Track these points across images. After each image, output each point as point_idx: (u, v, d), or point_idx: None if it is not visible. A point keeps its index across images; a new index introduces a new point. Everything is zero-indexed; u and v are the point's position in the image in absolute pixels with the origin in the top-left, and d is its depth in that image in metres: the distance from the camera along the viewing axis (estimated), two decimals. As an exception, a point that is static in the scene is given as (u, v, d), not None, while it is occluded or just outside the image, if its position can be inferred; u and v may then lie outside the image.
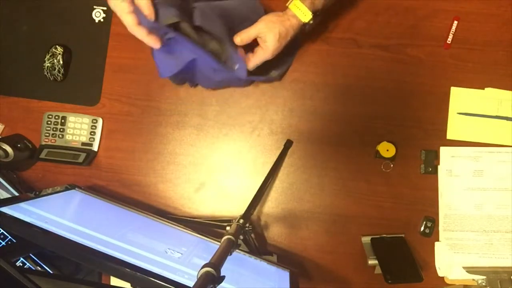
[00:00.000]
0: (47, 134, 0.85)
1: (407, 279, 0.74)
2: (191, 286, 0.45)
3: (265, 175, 0.80)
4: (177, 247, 0.66)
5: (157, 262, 0.59)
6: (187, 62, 0.69)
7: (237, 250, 0.62)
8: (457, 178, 0.80)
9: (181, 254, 0.64)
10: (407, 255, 0.78)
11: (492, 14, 0.81)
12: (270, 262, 0.73)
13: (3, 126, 0.86)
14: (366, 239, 0.81)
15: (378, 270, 0.77)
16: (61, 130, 0.85)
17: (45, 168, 0.86)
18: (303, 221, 0.83)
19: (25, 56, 0.86)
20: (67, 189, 0.78)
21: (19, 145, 0.82)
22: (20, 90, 0.86)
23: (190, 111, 0.85)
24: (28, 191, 0.80)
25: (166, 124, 0.85)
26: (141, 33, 0.62)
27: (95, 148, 0.85)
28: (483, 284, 0.78)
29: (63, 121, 0.85)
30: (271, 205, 0.83)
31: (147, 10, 0.60)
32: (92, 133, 0.85)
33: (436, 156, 0.81)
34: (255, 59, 0.71)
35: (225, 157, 0.84)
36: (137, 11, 0.60)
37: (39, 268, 0.78)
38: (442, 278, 0.81)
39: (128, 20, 0.60)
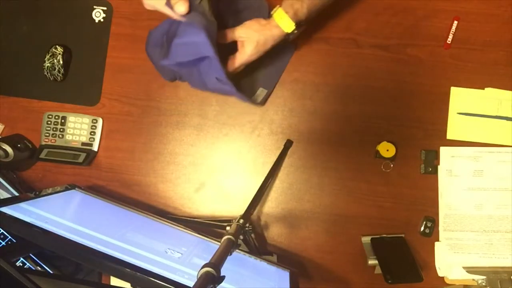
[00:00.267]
0: (47, 134, 0.85)
1: (407, 279, 0.74)
2: (191, 286, 0.45)
3: (265, 175, 0.80)
4: (177, 247, 0.66)
5: (157, 262, 0.59)
6: (198, 57, 0.67)
7: (237, 250, 0.62)
8: (457, 178, 0.80)
9: (181, 254, 0.64)
10: (407, 255, 0.78)
11: (492, 14, 0.80)
12: (270, 262, 0.73)
13: (3, 126, 0.86)
14: (366, 239, 0.81)
15: (378, 270, 0.77)
16: (61, 130, 0.85)
17: (45, 168, 0.86)
18: (303, 221, 0.83)
19: (25, 56, 0.86)
20: (67, 189, 0.78)
21: (19, 145, 0.82)
22: (20, 90, 0.86)
23: (190, 111, 0.85)
24: (28, 191, 0.80)
25: (166, 124, 0.85)
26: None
27: (95, 148, 0.85)
28: (483, 284, 0.78)
29: (63, 121, 0.85)
30: (271, 205, 0.83)
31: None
32: (92, 133, 0.85)
33: (436, 156, 0.81)
34: (234, 62, 0.71)
35: (225, 157, 0.84)
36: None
37: (39, 268, 0.78)
38: (442, 278, 0.81)
39: None
